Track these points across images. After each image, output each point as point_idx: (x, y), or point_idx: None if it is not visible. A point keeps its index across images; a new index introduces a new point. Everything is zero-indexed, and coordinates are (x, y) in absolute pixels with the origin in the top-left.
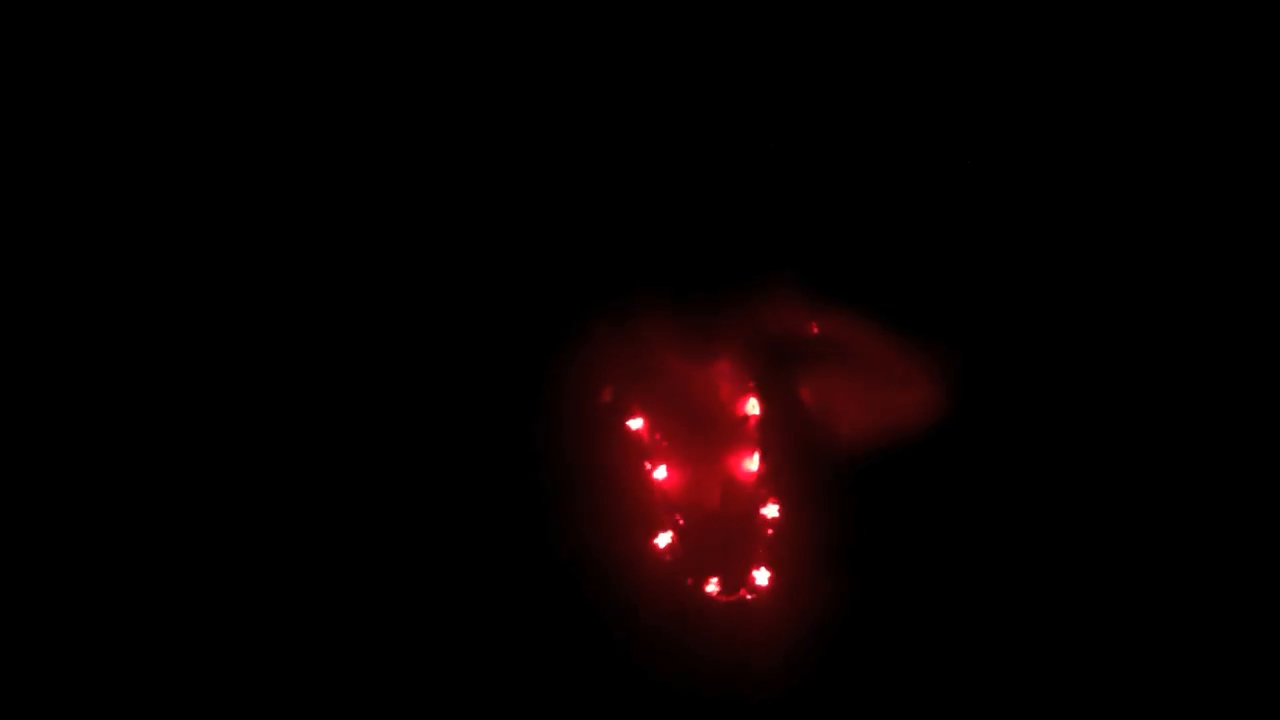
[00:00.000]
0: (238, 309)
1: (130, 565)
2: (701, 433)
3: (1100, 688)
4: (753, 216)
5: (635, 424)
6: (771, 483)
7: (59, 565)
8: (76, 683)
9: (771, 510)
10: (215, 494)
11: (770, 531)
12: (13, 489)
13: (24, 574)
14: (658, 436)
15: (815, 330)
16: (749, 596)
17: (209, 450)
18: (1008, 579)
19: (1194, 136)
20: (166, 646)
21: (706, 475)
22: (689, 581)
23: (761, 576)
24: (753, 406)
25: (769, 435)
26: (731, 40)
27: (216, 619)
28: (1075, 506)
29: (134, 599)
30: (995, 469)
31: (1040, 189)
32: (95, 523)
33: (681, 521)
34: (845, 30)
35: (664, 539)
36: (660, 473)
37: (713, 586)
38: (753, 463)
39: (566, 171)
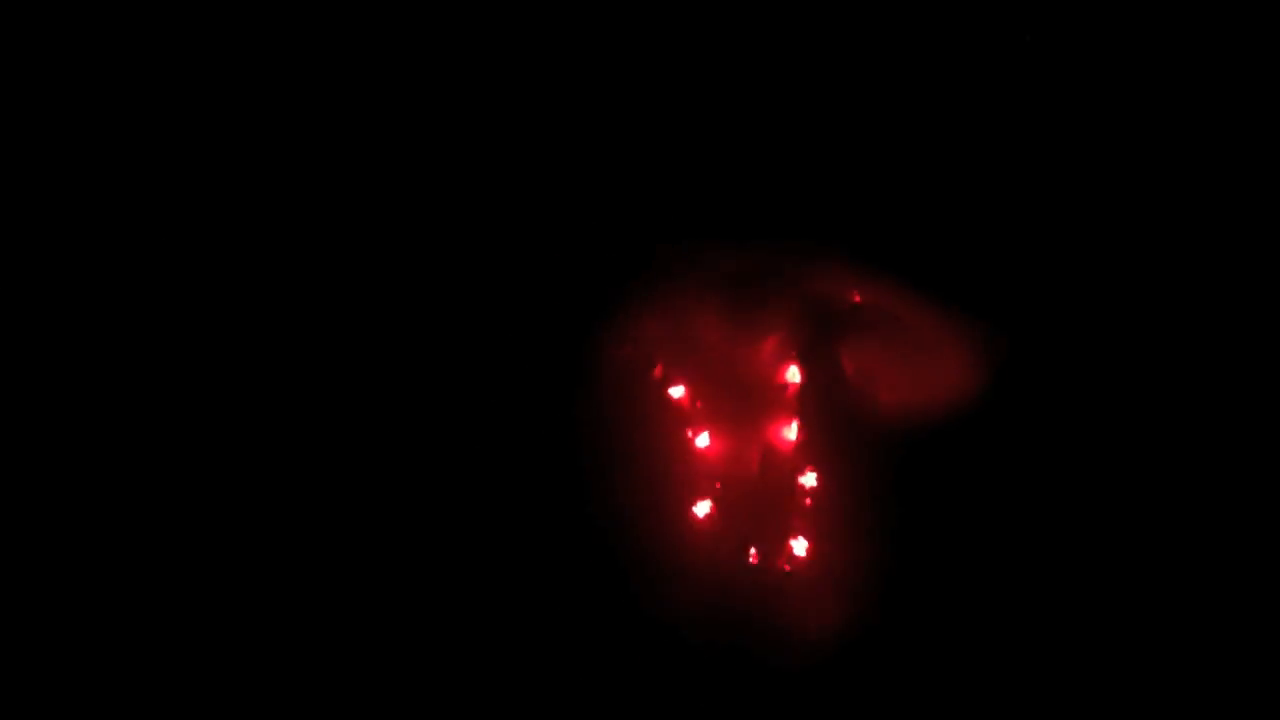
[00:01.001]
0: (280, 295)
1: (137, 564)
2: (742, 400)
3: (1154, 676)
4: (801, 183)
5: (677, 391)
6: (809, 451)
7: (59, 565)
8: (76, 683)
9: (810, 479)
10: (249, 482)
11: (808, 501)
12: (13, 489)
13: (24, 574)
14: (699, 404)
15: (858, 300)
16: (786, 567)
17: (240, 442)
18: (1045, 556)
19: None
20: (170, 645)
21: (746, 443)
22: (727, 550)
23: (799, 546)
24: (793, 374)
25: (808, 403)
26: (790, 11)
27: (240, 613)
28: (1114, 488)
29: (139, 598)
30: (1035, 447)
31: (1094, 173)
32: (95, 523)
33: (720, 490)
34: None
35: (703, 508)
36: (702, 440)
37: (751, 556)
38: (792, 431)
39: (612, 139)
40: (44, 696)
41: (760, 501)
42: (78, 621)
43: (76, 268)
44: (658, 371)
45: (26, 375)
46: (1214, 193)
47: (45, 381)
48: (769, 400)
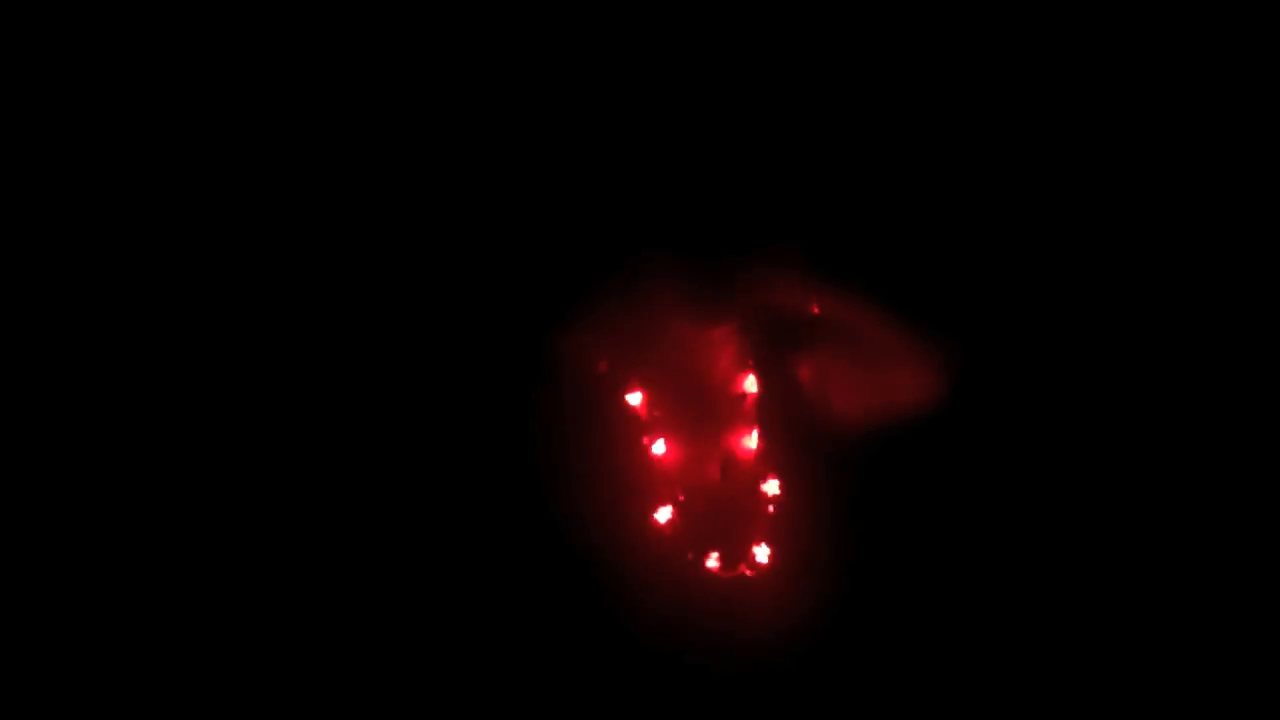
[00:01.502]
0: (229, 293)
1: (133, 565)
2: (700, 408)
3: (1097, 678)
4: (758, 191)
5: (634, 399)
6: (771, 459)
7: (59, 565)
8: (76, 683)
9: (772, 486)
10: (215, 487)
11: (771, 508)
12: (13, 489)
13: (24, 574)
14: (656, 411)
15: (815, 310)
16: (749, 572)
17: (207, 447)
18: (1005, 561)
19: (1206, 130)
20: (168, 646)
21: (706, 451)
22: (689, 556)
23: (762, 553)
24: (751, 384)
25: (767, 413)
26: (746, 17)
27: (218, 617)
28: (1071, 492)
29: (136, 599)
30: (993, 451)
31: (1049, 180)
32: (96, 522)
33: (682, 497)
34: (860, 10)
35: (664, 514)
36: (659, 447)
37: (713, 562)
38: (752, 440)
39: (569, 142)
40: (44, 696)
41: (722, 508)
42: (77, 621)
43: (76, 268)
44: (603, 365)
45: (26, 375)
46: (1176, 205)
47: (45, 381)
48: (728, 409)
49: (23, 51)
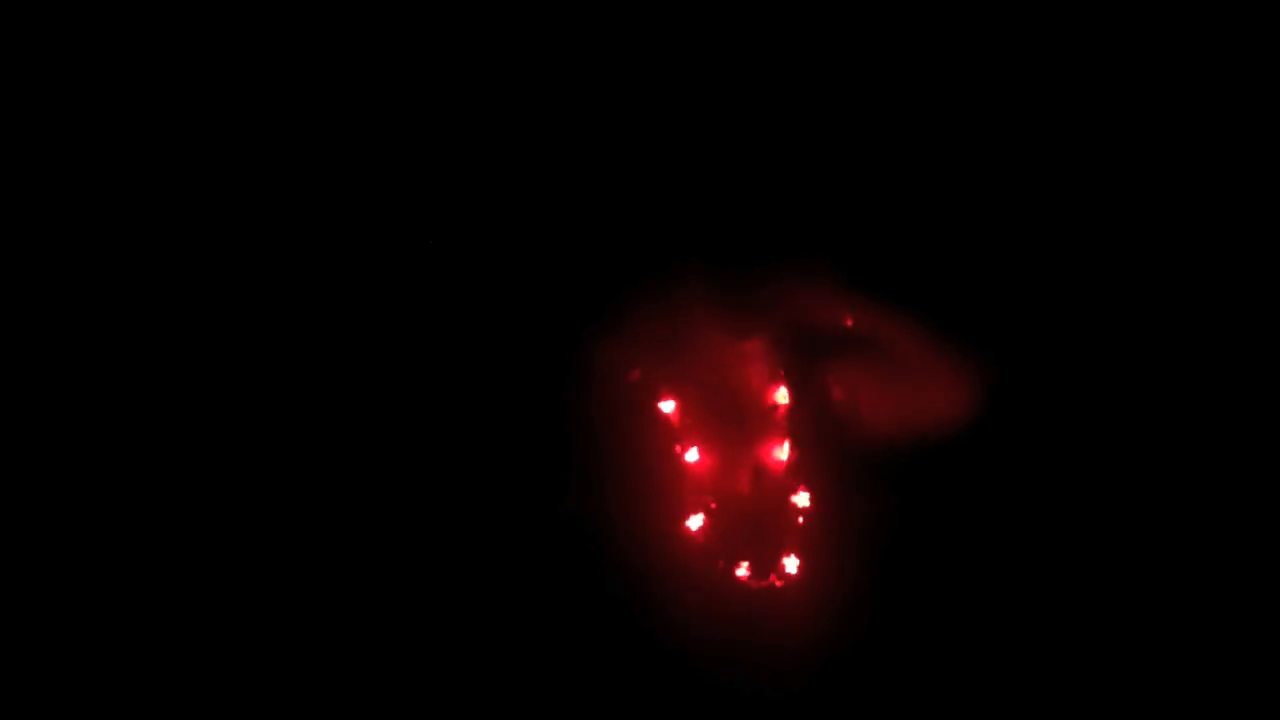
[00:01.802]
0: (265, 306)
1: (149, 562)
2: (732, 418)
3: (1129, 693)
4: (791, 204)
5: (667, 406)
6: (802, 471)
7: (59, 565)
8: (76, 682)
9: (803, 499)
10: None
11: (801, 520)
12: (13, 489)
13: (24, 574)
14: (689, 419)
15: (849, 323)
16: (778, 583)
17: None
18: (1032, 574)
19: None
20: (169, 644)
21: (737, 460)
22: (720, 565)
23: (791, 564)
24: (782, 395)
25: (797, 424)
26: (784, 33)
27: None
28: (1103, 508)
29: (147, 595)
30: (1024, 466)
31: (1084, 197)
32: (99, 522)
33: (714, 505)
34: (897, 28)
35: (696, 521)
36: (691, 455)
37: (743, 571)
38: (783, 451)
39: (607, 156)
40: (44, 696)
41: (752, 518)
42: (77, 621)
43: (76, 268)
44: (635, 374)
45: (26, 375)
46: (1201, 231)
47: (45, 381)
48: (760, 420)
49: (23, 51)
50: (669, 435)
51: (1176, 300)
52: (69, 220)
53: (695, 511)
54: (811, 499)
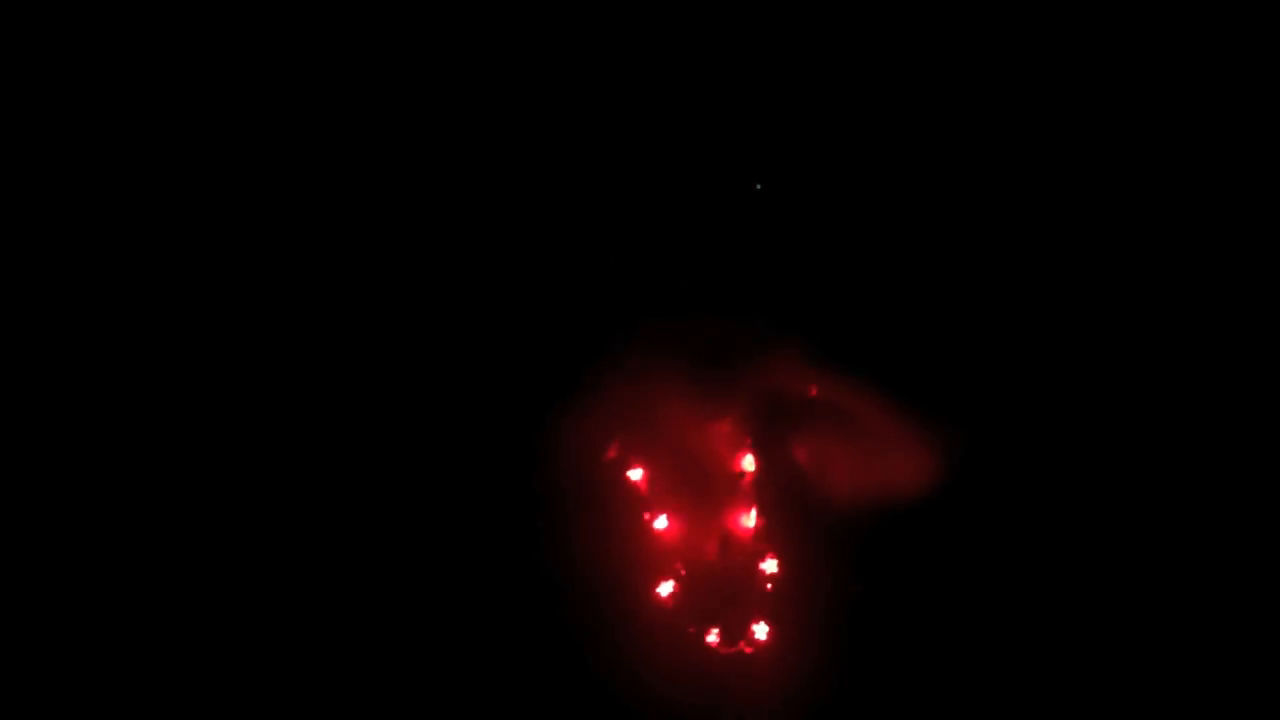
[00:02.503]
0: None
1: (147, 561)
2: (700, 486)
3: None
4: (760, 276)
5: (635, 475)
6: (770, 538)
7: (59, 565)
8: (76, 682)
9: (770, 565)
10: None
11: (769, 586)
12: (13, 489)
13: (24, 574)
14: (657, 488)
15: (814, 393)
16: (748, 649)
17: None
18: (1000, 638)
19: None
20: (168, 645)
21: (705, 527)
22: (690, 631)
23: (760, 630)
24: (749, 463)
25: (764, 491)
26: (748, 101)
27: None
28: (1068, 577)
29: (142, 596)
30: (988, 532)
31: (1041, 268)
32: (98, 522)
33: (683, 572)
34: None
35: (666, 588)
36: (661, 523)
37: (713, 637)
38: (749, 518)
39: (575, 224)
40: (44, 696)
41: (721, 585)
42: (77, 621)
43: (76, 268)
44: (612, 452)
45: (26, 375)
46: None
47: (45, 381)
48: (726, 487)
49: (23, 51)
50: (638, 503)
51: (1145, 369)
52: (69, 220)
53: (665, 578)
54: (780, 565)
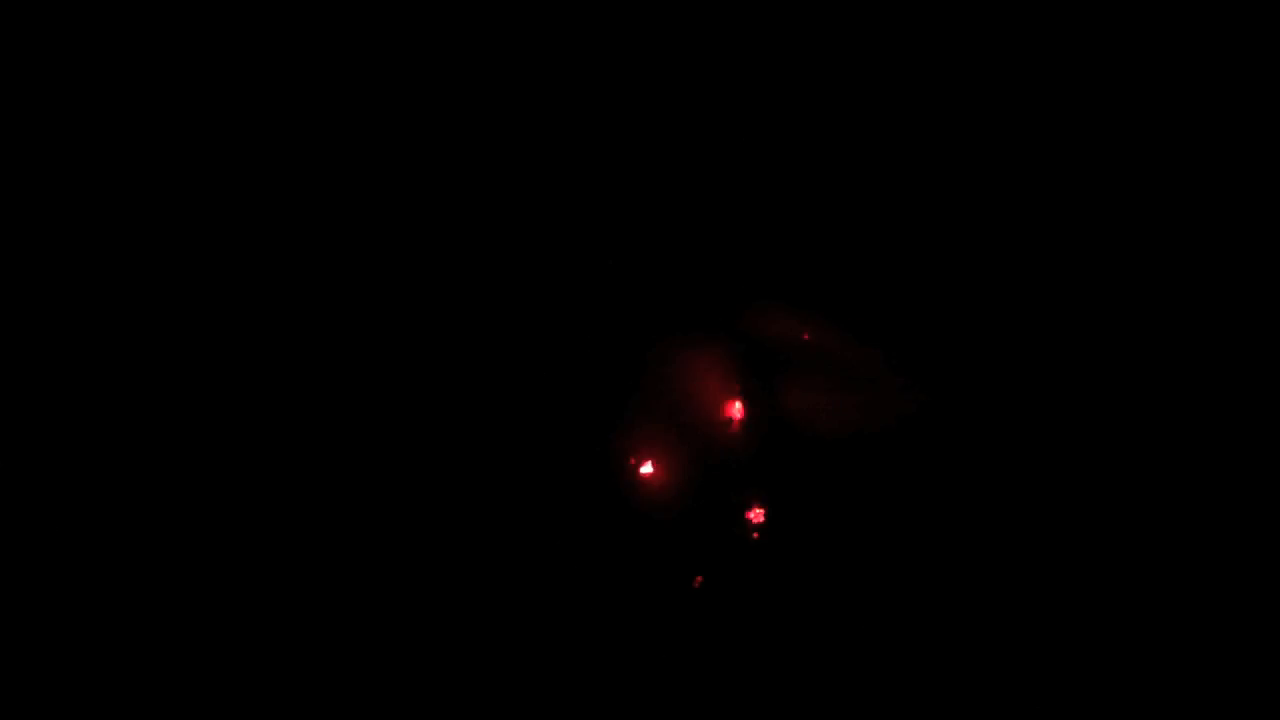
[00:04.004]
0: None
1: (135, 563)
2: (687, 433)
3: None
4: (746, 227)
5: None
6: (757, 485)
7: (59, 565)
8: (76, 682)
9: (756, 514)
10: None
11: (755, 535)
12: (13, 489)
13: (24, 574)
14: (643, 434)
15: (806, 337)
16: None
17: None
18: (996, 585)
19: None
20: (168, 646)
21: (692, 474)
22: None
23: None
24: (737, 411)
25: (752, 439)
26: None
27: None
28: (1065, 517)
29: (137, 599)
30: (982, 475)
31: (1034, 212)
32: (96, 522)
33: (668, 518)
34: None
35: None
36: (646, 469)
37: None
38: (738, 464)
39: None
40: (44, 696)
41: (707, 532)
42: (77, 621)
43: (76, 268)
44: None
45: (26, 375)
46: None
47: (45, 381)
48: (715, 435)
49: (23, 52)
50: (625, 449)
51: (1147, 333)
52: (68, 220)
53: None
54: (765, 514)
